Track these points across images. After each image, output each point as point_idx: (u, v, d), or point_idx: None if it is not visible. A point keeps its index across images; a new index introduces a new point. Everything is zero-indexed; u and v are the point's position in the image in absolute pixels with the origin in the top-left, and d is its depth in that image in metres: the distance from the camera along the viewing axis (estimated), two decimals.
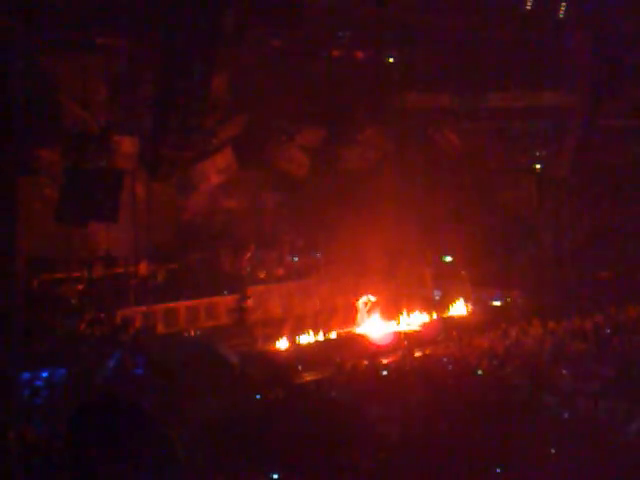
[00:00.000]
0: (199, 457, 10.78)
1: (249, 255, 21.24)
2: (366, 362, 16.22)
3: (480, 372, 14.56)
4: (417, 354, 17.31)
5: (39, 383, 14.50)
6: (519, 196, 25.41)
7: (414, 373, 14.99)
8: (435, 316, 21.85)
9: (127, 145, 19.39)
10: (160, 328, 18.85)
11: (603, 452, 10.77)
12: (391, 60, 24.18)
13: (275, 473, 10.51)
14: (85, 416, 4.46)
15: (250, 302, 20.01)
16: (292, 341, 19.11)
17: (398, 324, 21.02)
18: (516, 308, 21.86)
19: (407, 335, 19.67)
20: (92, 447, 4.32)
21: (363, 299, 20.90)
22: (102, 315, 17.67)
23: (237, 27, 19.48)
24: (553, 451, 10.87)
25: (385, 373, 15.30)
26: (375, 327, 20.56)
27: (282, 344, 18.96)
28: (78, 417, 4.46)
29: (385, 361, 16.65)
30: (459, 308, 22.39)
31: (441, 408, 12.29)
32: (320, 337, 19.74)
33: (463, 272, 22.90)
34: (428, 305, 22.18)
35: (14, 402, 12.28)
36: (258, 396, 13.37)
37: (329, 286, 21.60)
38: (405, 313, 21.35)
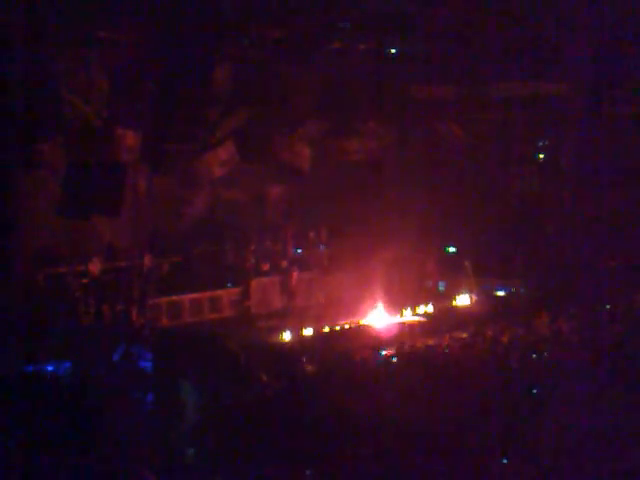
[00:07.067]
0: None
1: (253, 248, 21.24)
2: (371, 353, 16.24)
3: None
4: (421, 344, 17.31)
5: None
6: (522, 186, 25.40)
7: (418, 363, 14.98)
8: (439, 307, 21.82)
9: (129, 138, 19.41)
10: (164, 321, 18.90)
11: None
12: (393, 52, 24.16)
13: (278, 463, 10.53)
14: None
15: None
16: (296, 333, 19.08)
17: (402, 315, 21.00)
18: (519, 298, 21.86)
19: (412, 326, 19.68)
20: None
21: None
22: (106, 308, 17.71)
23: (238, 20, 19.53)
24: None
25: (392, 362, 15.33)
26: (380, 318, 20.54)
27: (286, 336, 18.93)
28: None
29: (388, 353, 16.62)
30: (463, 299, 22.37)
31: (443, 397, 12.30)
32: (325, 329, 19.71)
33: (467, 263, 22.87)
34: (432, 296, 22.17)
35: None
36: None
37: (333, 278, 21.61)
38: (410, 304, 21.31)
